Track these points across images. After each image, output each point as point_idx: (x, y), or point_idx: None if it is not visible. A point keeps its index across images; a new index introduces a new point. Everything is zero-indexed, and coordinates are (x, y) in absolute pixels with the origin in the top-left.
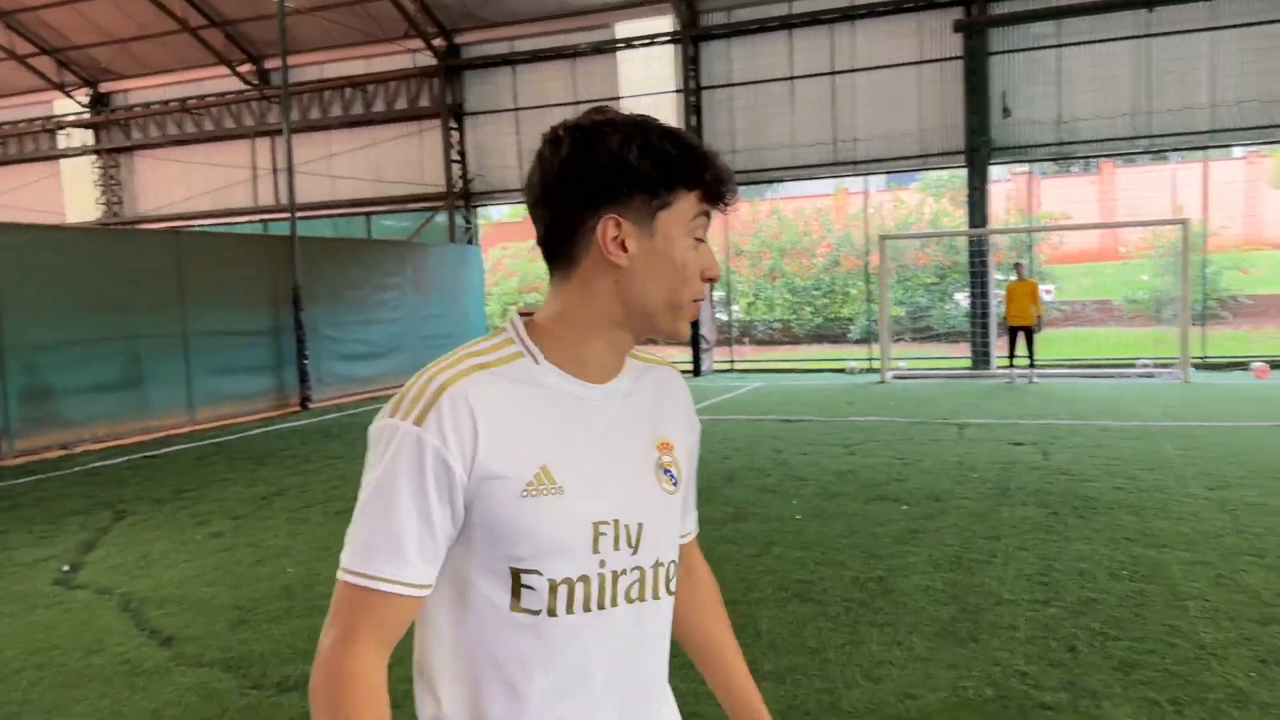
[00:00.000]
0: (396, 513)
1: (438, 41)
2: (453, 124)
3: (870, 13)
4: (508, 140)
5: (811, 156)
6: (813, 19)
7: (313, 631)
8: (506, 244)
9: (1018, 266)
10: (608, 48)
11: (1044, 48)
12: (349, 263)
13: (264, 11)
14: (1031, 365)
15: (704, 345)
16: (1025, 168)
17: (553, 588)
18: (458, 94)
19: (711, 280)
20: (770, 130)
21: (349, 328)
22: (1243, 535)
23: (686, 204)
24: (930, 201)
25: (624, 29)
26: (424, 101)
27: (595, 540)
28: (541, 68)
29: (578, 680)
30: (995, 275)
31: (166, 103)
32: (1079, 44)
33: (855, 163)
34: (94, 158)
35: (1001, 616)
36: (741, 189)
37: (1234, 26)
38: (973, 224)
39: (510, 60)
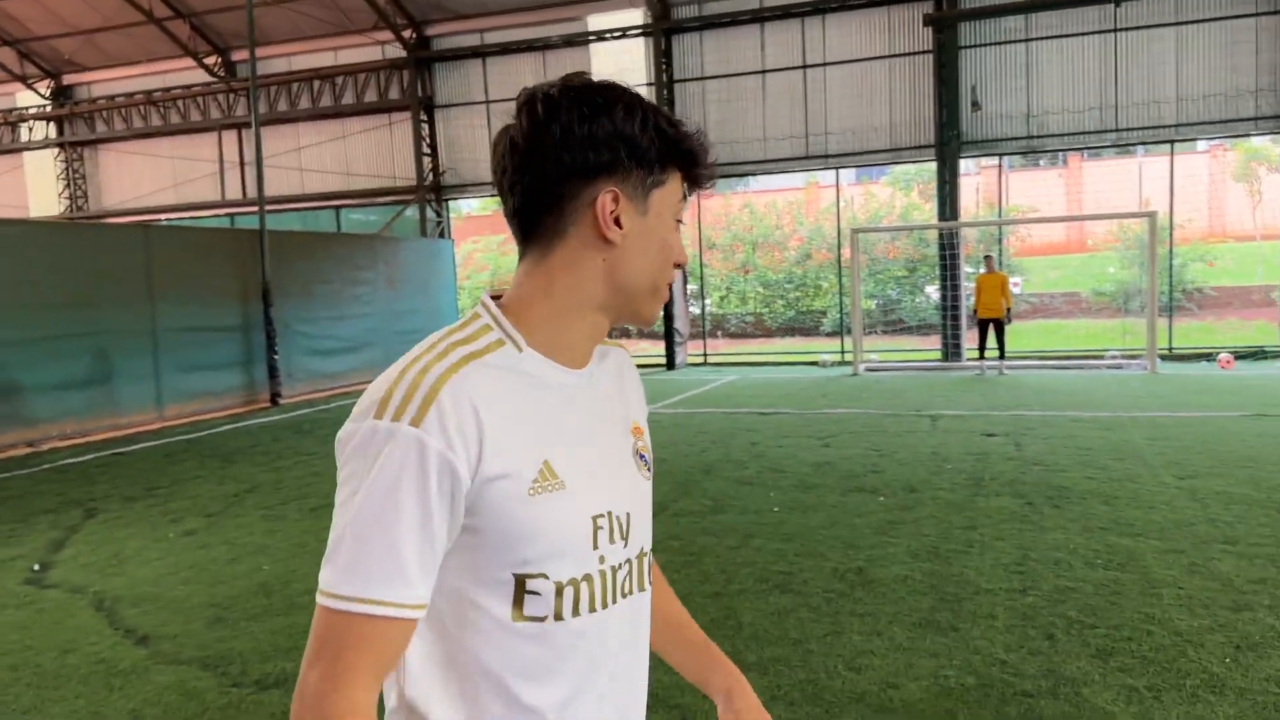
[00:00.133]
0: (395, 527)
1: (407, 33)
2: (423, 116)
3: (841, 6)
4: (479, 133)
5: (783, 150)
6: (784, 12)
7: (293, 629)
8: (478, 238)
9: (988, 259)
10: (579, 40)
11: (1013, 42)
12: (320, 257)
13: (231, 3)
14: (1002, 357)
15: (677, 339)
16: (994, 161)
17: (559, 590)
18: (428, 86)
19: (680, 265)
20: (742, 124)
21: (320, 323)
22: (1214, 524)
23: (674, 183)
24: (900, 195)
25: (596, 21)
26: (394, 94)
27: (595, 535)
28: (512, 60)
29: (585, 685)
30: (965, 268)
31: (131, 95)
32: (1048, 38)
33: (826, 156)
34: (57, 151)
35: (980, 606)
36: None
37: (1199, 21)
38: (943, 217)
39: (481, 52)
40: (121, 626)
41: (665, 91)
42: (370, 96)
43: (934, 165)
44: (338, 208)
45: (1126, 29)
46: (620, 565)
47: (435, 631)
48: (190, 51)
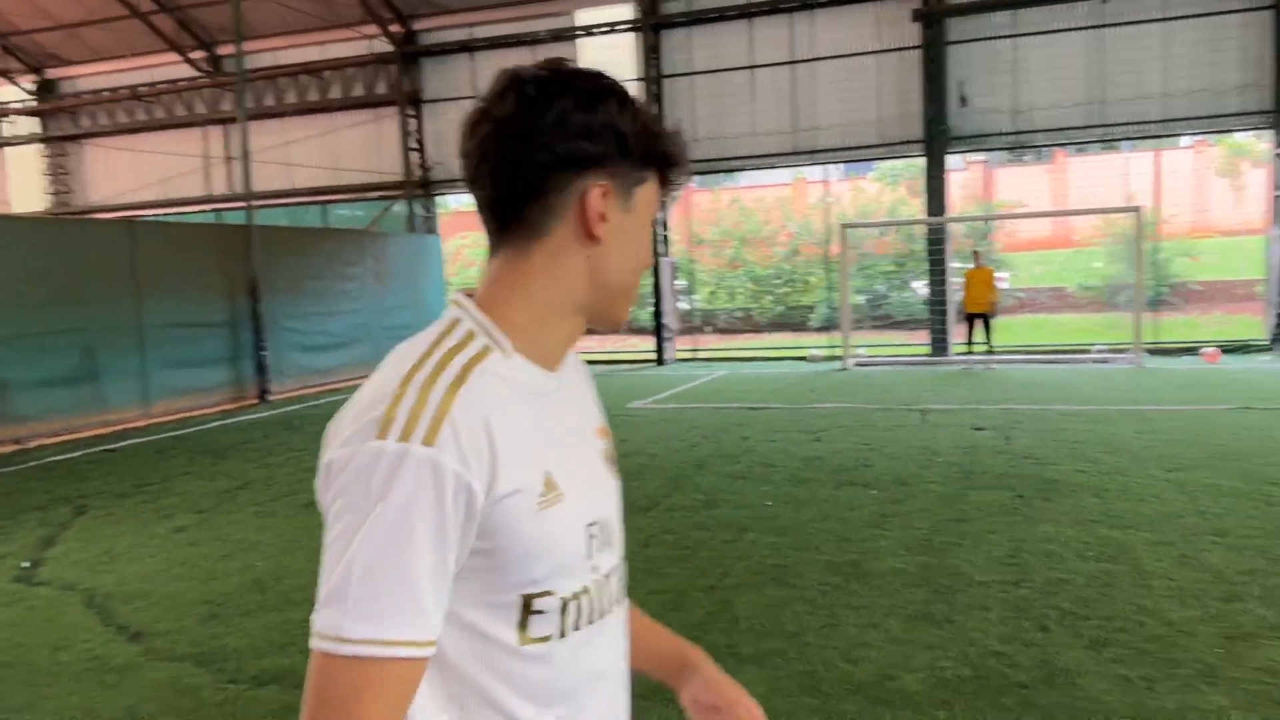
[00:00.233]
0: (410, 559)
1: (395, 28)
2: (410, 111)
3: (830, 2)
4: None
5: (772, 145)
6: (772, 7)
7: (288, 625)
8: (466, 233)
9: (975, 254)
10: (567, 35)
11: (1001, 37)
12: (308, 253)
13: None
14: (989, 351)
15: (667, 334)
16: (981, 157)
17: (564, 607)
18: (415, 81)
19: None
20: (731, 119)
21: (309, 319)
22: (1203, 516)
23: (653, 183)
24: (888, 191)
25: (584, 16)
26: (381, 89)
27: (589, 545)
28: (500, 55)
29: (589, 700)
30: (953, 263)
31: (116, 90)
32: (1035, 34)
33: (815, 152)
34: (41, 146)
35: (974, 598)
36: (703, 178)
37: (1185, 17)
38: (931, 212)
39: (469, 47)
40: (114, 623)
41: (654, 87)
42: (357, 91)
43: (922, 161)
44: (325, 203)
45: (1112, 25)
46: (610, 573)
47: (434, 663)
48: (175, 46)
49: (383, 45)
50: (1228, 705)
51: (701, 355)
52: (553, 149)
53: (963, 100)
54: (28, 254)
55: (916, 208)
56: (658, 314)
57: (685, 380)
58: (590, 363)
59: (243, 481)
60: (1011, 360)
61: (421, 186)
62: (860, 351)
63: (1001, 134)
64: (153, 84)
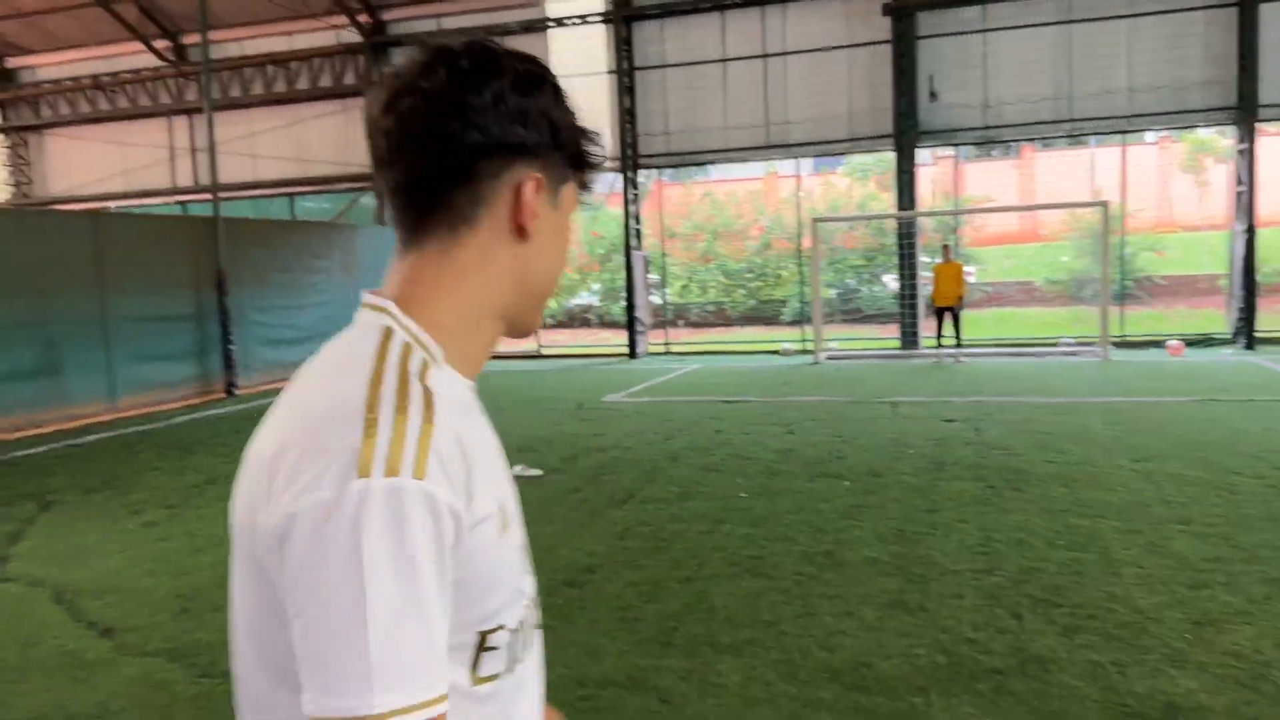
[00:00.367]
0: (427, 605)
1: (363, 18)
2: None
3: None
4: None
5: (744, 139)
6: (745, 0)
7: None
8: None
9: (945, 249)
10: (538, 26)
11: (970, 32)
12: (275, 245)
13: None
14: (958, 345)
15: (639, 328)
16: (950, 151)
17: (510, 640)
18: (384, 73)
19: None
20: (703, 112)
21: (276, 312)
22: (1169, 505)
23: (574, 182)
24: (858, 185)
25: (555, 8)
26: (349, 79)
27: (523, 568)
28: None
29: None
30: (923, 257)
31: (78, 79)
32: (1004, 29)
33: (787, 145)
34: (0, 136)
35: (947, 586)
36: (676, 171)
37: (1151, 14)
38: (901, 207)
39: (437, 38)
40: (84, 619)
41: (626, 79)
42: (325, 82)
43: (892, 155)
44: (292, 195)
45: (1080, 21)
46: (533, 598)
47: None
48: (139, 34)
49: (351, 36)
50: (1196, 688)
51: (674, 349)
52: (488, 131)
53: (932, 95)
54: None
55: (886, 202)
56: (630, 307)
57: (658, 374)
58: (562, 356)
59: (211, 476)
60: (980, 353)
61: None
62: (832, 345)
63: (970, 129)
64: (116, 73)
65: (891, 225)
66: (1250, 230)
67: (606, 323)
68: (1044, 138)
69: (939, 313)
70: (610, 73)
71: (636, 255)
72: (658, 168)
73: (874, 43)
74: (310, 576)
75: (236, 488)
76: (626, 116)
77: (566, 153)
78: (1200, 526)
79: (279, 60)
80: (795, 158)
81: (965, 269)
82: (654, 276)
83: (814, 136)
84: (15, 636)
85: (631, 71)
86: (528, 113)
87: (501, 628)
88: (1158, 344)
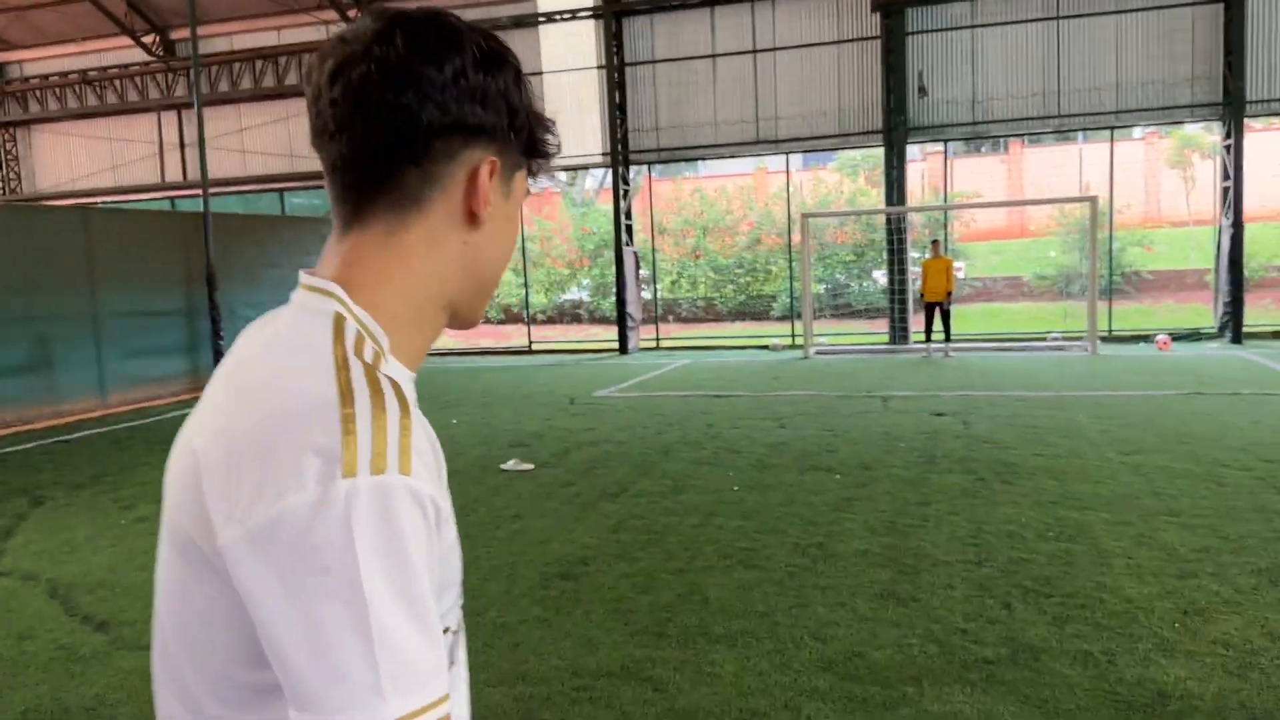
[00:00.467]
0: (424, 605)
1: (353, 13)
2: None
3: None
4: None
5: (734, 135)
6: None
7: None
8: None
9: (934, 244)
10: (529, 21)
11: (959, 28)
12: (265, 241)
13: None
14: (947, 339)
15: (630, 323)
16: (939, 147)
17: (454, 640)
18: None
19: None
20: (693, 108)
21: (266, 307)
22: (1158, 497)
23: (526, 170)
24: (848, 181)
25: (546, 3)
26: None
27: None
28: None
29: None
30: (912, 253)
31: (66, 74)
32: (993, 25)
33: (776, 141)
34: None
35: (939, 577)
36: (665, 167)
37: (1139, 10)
38: (890, 202)
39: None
40: (79, 613)
41: (616, 75)
42: None
43: (881, 151)
44: (282, 190)
45: (1068, 17)
46: (460, 595)
47: None
48: (127, 30)
49: (339, 29)
50: (1185, 676)
51: (664, 344)
52: (446, 108)
53: (921, 90)
54: None
55: (876, 198)
56: (620, 303)
57: (649, 369)
58: (553, 352)
59: None
60: (969, 348)
61: None
62: (822, 340)
63: (959, 124)
64: (104, 69)
65: (881, 221)
66: (1237, 225)
67: (597, 318)
68: (1032, 133)
69: (928, 308)
70: (600, 68)
71: (627, 251)
72: (648, 163)
73: (863, 38)
74: (299, 586)
75: (170, 491)
76: (616, 112)
77: (521, 138)
78: (1188, 518)
79: (268, 55)
80: (785, 153)
81: (954, 264)
82: (644, 272)
83: (803, 132)
84: (10, 631)
85: (621, 67)
86: (487, 92)
87: (447, 630)
88: (1145, 338)
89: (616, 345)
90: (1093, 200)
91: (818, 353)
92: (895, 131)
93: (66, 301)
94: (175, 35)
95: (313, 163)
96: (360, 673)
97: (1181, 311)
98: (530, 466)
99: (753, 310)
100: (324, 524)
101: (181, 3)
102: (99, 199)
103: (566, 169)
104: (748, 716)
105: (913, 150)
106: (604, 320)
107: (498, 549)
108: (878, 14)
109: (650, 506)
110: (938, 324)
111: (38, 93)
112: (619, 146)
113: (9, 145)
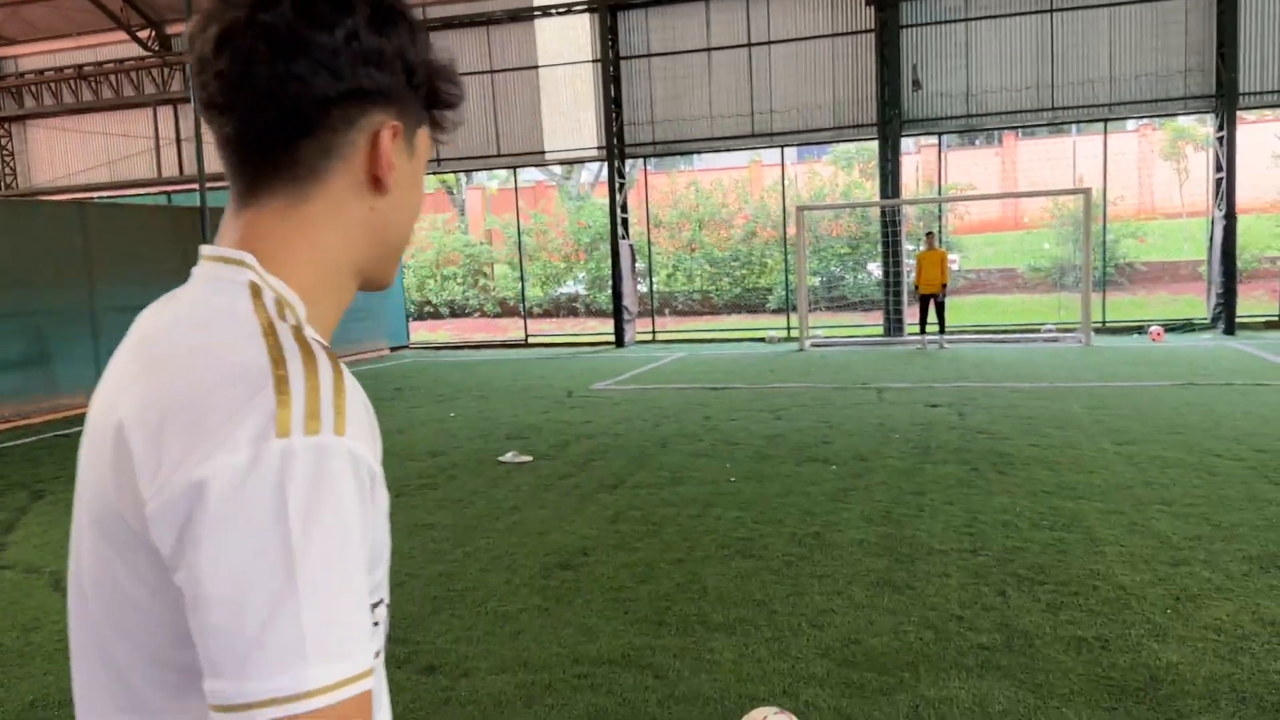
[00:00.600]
0: (354, 572)
1: None
2: None
3: None
4: None
5: (729, 128)
6: None
7: None
8: (422, 216)
9: (929, 236)
10: (524, 15)
11: (953, 21)
12: None
13: None
14: (942, 331)
15: (626, 316)
16: (933, 140)
17: (387, 612)
18: None
19: None
20: (687, 101)
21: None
22: (1151, 486)
23: (429, 126)
24: (842, 174)
25: None
26: None
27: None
28: (455, 35)
29: (389, 712)
30: (906, 245)
31: (61, 69)
32: (986, 18)
33: (771, 135)
34: None
35: (934, 565)
36: (661, 160)
37: (1132, 3)
38: (885, 195)
39: (423, 27)
40: None
41: (611, 68)
42: None
43: (875, 144)
44: None
45: (1062, 9)
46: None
47: None
48: (123, 24)
49: None
50: (1176, 661)
51: (660, 337)
52: (340, 75)
53: (915, 83)
54: None
55: (870, 190)
56: (616, 296)
57: (645, 362)
58: (549, 345)
59: None
60: (964, 340)
61: None
62: (817, 333)
63: (953, 117)
64: (99, 63)
65: (875, 213)
66: (1230, 217)
67: (593, 311)
68: (1026, 126)
69: (923, 300)
70: (595, 61)
71: (623, 244)
72: (643, 157)
73: (857, 32)
74: (227, 546)
75: (89, 471)
76: (612, 105)
77: (422, 95)
78: (1181, 507)
79: None
80: (780, 146)
81: (949, 256)
82: (640, 265)
83: (798, 125)
84: (15, 622)
85: (616, 61)
86: (383, 53)
87: (381, 601)
88: (1139, 330)
89: (613, 338)
90: (1086, 192)
91: (813, 345)
92: (890, 125)
93: (64, 296)
94: (171, 30)
95: None
96: (284, 637)
97: (1175, 303)
98: (529, 459)
99: (748, 303)
100: (255, 484)
101: None
102: (95, 194)
103: (562, 162)
104: (746, 702)
105: (907, 143)
106: (600, 313)
107: (498, 540)
108: (872, 7)
109: (648, 498)
110: (932, 316)
111: (33, 88)
112: (614, 140)
113: (4, 141)
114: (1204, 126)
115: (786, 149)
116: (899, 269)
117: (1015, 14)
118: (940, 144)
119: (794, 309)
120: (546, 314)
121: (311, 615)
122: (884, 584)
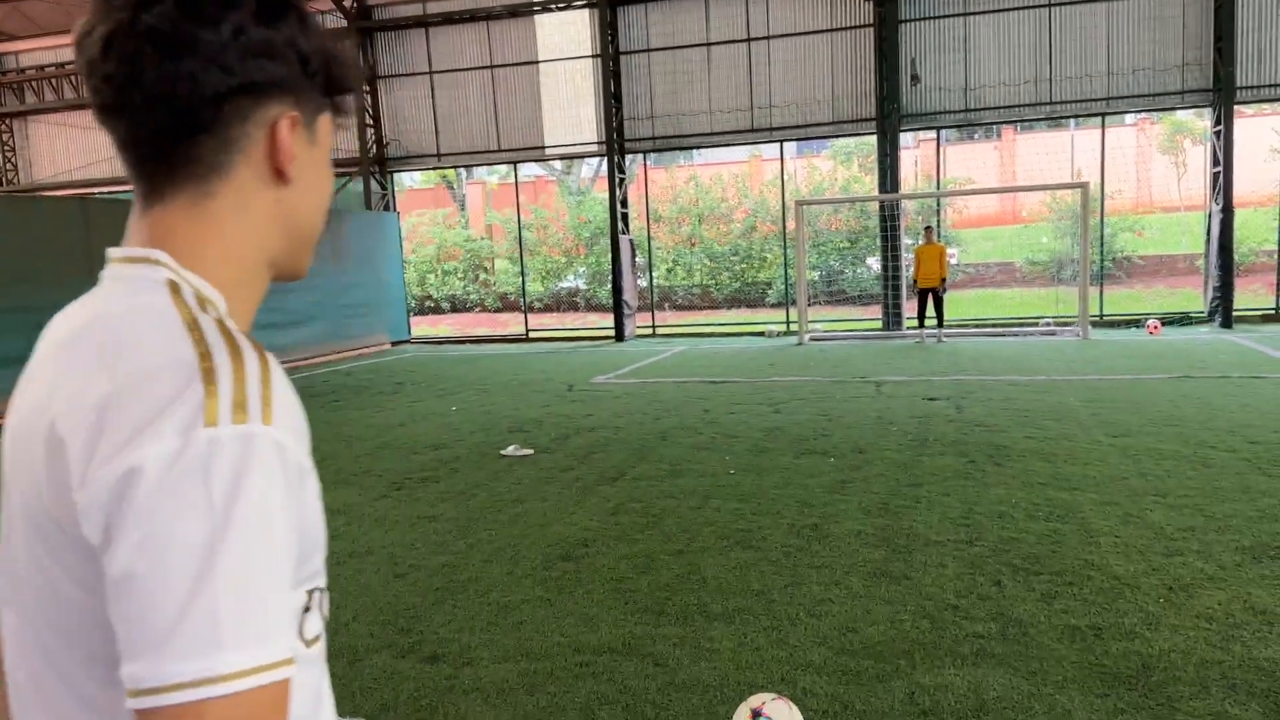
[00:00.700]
0: (277, 560)
1: (348, 3)
2: (365, 87)
3: None
4: (423, 104)
5: (729, 123)
6: None
7: None
8: (422, 211)
9: (927, 230)
10: (524, 10)
11: (951, 16)
12: None
13: None
14: (940, 325)
15: (626, 311)
16: (932, 134)
17: (323, 598)
18: (370, 56)
19: None
20: (687, 96)
21: (265, 296)
22: (1145, 478)
23: (329, 111)
24: (841, 168)
25: None
26: None
27: None
28: (456, 30)
29: (331, 697)
30: (905, 239)
31: (62, 65)
32: (985, 12)
33: (770, 129)
34: None
35: (930, 556)
36: (660, 155)
37: None
38: (884, 189)
39: (424, 22)
40: None
41: (611, 64)
42: None
43: (874, 138)
44: None
45: (1060, 4)
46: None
47: None
48: None
49: (336, 20)
50: (1169, 649)
51: (660, 332)
52: (230, 70)
53: (914, 78)
54: None
55: (869, 185)
56: (616, 290)
57: (645, 356)
58: (550, 339)
59: None
60: (962, 333)
61: (378, 163)
62: (816, 327)
63: (952, 111)
64: None
65: (874, 208)
66: (1227, 210)
67: (593, 306)
68: (1024, 120)
69: (921, 294)
70: (595, 57)
71: (623, 239)
72: (643, 152)
73: (856, 26)
74: (151, 532)
75: (16, 473)
76: (612, 101)
77: (319, 83)
78: (1175, 498)
79: None
80: (779, 141)
81: (947, 250)
82: (640, 259)
83: (797, 120)
84: None
85: (616, 56)
86: (273, 44)
87: (319, 587)
88: (1136, 323)
89: (613, 332)
90: (1084, 186)
91: (812, 339)
92: (888, 119)
93: (65, 291)
94: None
95: None
96: (201, 621)
97: (1172, 296)
98: (530, 452)
99: (748, 297)
100: (181, 471)
101: None
102: (97, 190)
103: (563, 158)
104: (745, 689)
105: (906, 138)
106: (600, 308)
107: (500, 532)
108: (871, 2)
109: (649, 490)
110: (930, 310)
111: (34, 84)
112: (614, 135)
113: (5, 136)
114: (1202, 120)
115: (786, 144)
116: (898, 263)
117: (1013, 9)
118: (939, 138)
119: (793, 303)
120: (547, 308)
121: (230, 600)
122: (881, 574)
